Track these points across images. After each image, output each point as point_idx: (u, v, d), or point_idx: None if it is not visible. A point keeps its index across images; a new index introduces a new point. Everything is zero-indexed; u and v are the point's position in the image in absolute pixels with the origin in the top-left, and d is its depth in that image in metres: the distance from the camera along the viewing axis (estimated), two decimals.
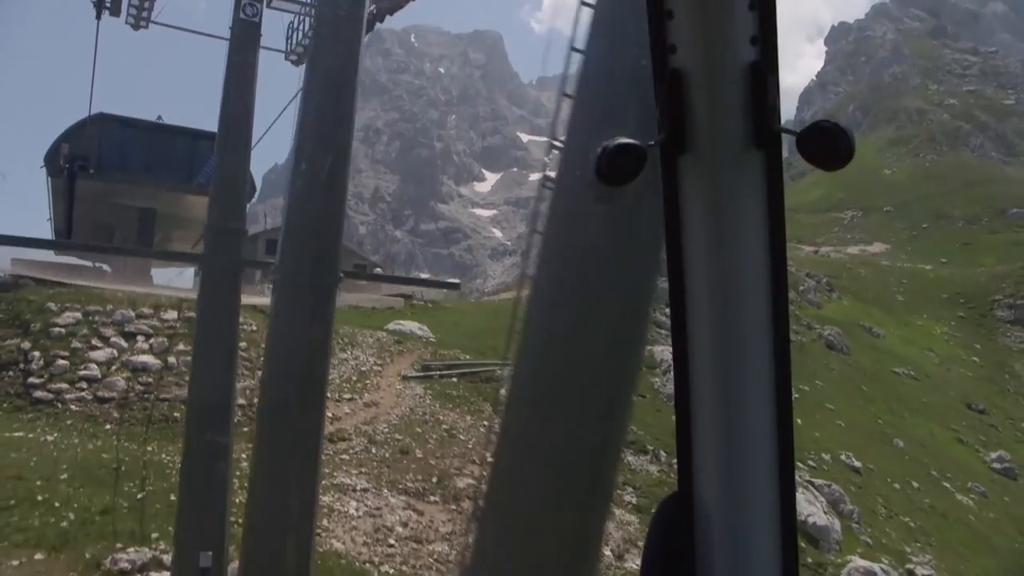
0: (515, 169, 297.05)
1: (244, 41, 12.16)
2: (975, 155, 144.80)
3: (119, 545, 12.37)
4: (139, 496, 14.25)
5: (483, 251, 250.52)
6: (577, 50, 4.24)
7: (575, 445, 3.89)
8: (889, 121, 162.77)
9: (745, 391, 1.66)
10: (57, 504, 13.46)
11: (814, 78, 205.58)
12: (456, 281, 17.43)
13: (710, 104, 1.51)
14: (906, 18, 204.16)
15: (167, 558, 12.18)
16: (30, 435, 16.40)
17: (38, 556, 11.82)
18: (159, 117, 25.73)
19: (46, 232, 26.41)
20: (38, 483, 14.06)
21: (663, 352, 35.97)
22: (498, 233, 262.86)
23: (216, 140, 11.29)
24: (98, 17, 12.99)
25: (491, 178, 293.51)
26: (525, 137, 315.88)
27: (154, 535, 12.96)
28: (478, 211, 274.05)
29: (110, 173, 23.32)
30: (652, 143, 1.55)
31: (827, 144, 1.44)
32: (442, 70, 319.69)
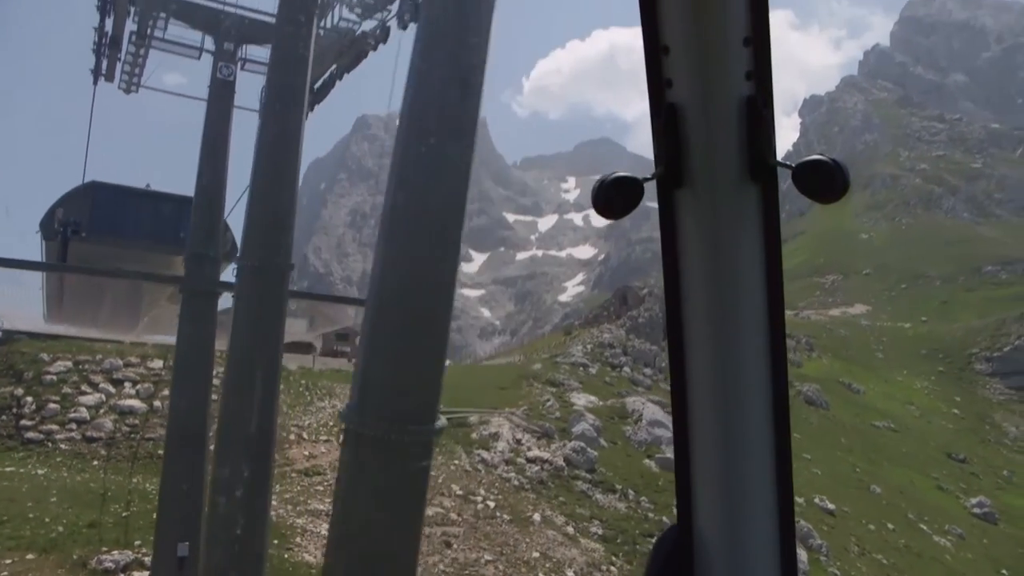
0: (502, 249, 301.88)
1: (220, 98, 14.20)
2: (948, 216, 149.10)
3: (104, 549, 13.64)
4: (124, 514, 15.52)
5: (472, 331, 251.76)
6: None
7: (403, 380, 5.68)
8: (864, 187, 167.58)
9: (744, 425, 1.69)
10: (47, 519, 14.71)
11: (790, 149, 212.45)
12: (362, 299, 18.71)
13: (706, 138, 1.54)
14: (874, 89, 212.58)
15: (148, 559, 13.43)
16: (21, 470, 17.68)
17: (29, 556, 13.07)
18: (148, 185, 27.79)
19: (38, 301, 28.05)
20: (29, 504, 15.31)
21: (635, 403, 37.36)
22: (487, 313, 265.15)
23: (197, 174, 13.17)
24: (95, 83, 15.09)
25: (478, 258, 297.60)
26: (511, 217, 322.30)
27: (136, 542, 14.22)
28: (466, 291, 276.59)
29: (101, 237, 25.25)
30: (649, 176, 1.57)
31: (822, 178, 1.48)
32: None
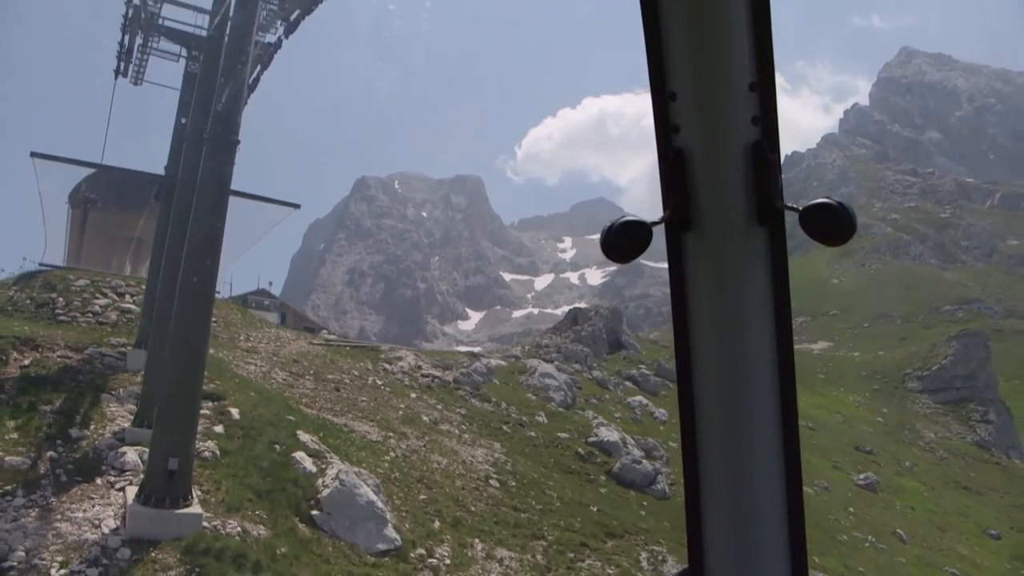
0: (498, 307, 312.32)
1: (188, 83, 24.87)
2: (915, 262, 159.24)
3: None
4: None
5: None
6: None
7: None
8: None
9: (755, 466, 1.79)
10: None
11: None
12: (297, 204, 28.42)
13: (713, 182, 1.63)
14: (853, 146, 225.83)
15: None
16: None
17: (71, 333, 23.24)
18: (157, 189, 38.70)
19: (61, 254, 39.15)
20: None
21: (534, 363, 47.15)
22: None
23: (173, 130, 23.80)
24: (115, 78, 25.98)
25: (475, 316, 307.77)
26: (507, 276, 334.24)
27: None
28: (462, 349, 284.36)
29: (110, 207, 35.98)
30: (657, 220, 1.66)
31: (829, 221, 1.56)
32: (425, 214, 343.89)
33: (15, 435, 17.02)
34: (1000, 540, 55.80)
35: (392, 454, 24.72)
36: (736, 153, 1.62)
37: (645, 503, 31.05)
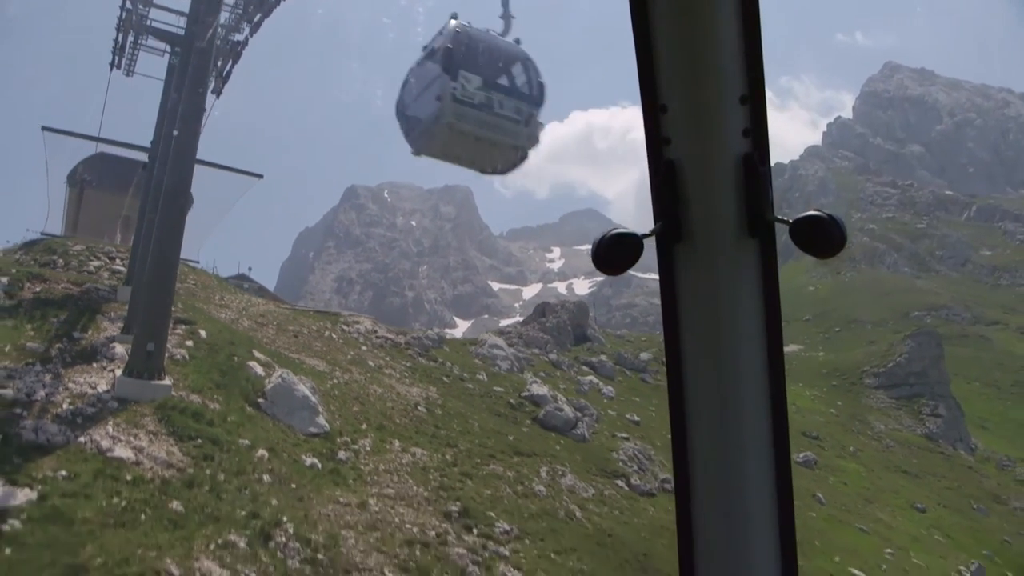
0: (486, 316, 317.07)
1: (172, 73, 30.65)
2: (889, 271, 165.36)
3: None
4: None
5: None
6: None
7: None
8: None
9: (745, 473, 1.86)
10: None
11: None
12: (260, 174, 33.90)
13: (704, 194, 1.70)
14: (836, 158, 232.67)
15: None
16: None
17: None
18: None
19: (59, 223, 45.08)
20: None
21: (488, 337, 52.75)
22: None
23: (159, 105, 29.56)
24: (111, 70, 31.75)
25: (463, 325, 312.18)
26: (496, 285, 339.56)
27: None
28: None
29: (104, 188, 41.72)
30: (649, 232, 1.72)
31: (820, 233, 1.65)
32: (414, 223, 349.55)
33: (31, 333, 22.88)
34: (925, 513, 60.79)
35: (335, 380, 30.40)
36: (727, 165, 1.71)
37: (562, 442, 36.56)
